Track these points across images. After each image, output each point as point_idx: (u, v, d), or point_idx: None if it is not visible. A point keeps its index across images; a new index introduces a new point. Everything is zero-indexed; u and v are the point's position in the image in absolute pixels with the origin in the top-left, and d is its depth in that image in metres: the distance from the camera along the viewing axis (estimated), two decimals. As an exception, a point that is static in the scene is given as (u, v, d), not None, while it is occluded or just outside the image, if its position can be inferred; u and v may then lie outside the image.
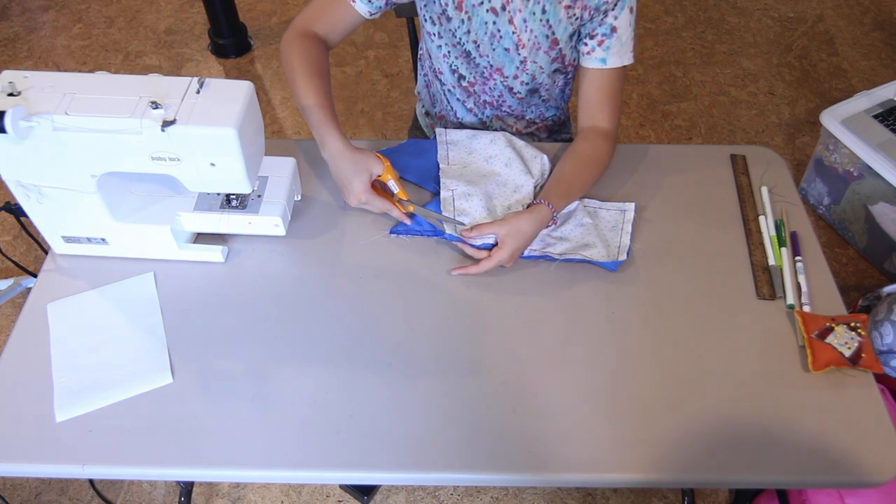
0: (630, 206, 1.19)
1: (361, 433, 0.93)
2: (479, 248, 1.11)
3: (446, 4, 1.19)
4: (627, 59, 1.19)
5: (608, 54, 1.17)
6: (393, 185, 1.14)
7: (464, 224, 1.12)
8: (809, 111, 2.59)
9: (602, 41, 1.17)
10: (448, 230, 1.13)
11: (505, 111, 1.37)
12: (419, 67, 1.46)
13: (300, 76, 1.14)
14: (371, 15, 1.21)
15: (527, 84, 1.29)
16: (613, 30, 1.16)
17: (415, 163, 1.25)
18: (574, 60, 1.27)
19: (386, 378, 0.98)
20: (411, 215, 1.16)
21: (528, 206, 1.13)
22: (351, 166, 1.09)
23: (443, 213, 1.14)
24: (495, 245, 1.09)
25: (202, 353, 1.01)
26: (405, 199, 1.15)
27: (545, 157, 1.23)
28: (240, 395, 0.96)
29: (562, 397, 0.96)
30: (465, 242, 1.12)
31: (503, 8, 1.17)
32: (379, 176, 1.12)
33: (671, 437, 0.93)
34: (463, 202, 1.16)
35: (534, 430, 0.93)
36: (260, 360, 1.00)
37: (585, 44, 1.19)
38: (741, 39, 2.89)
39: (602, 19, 1.15)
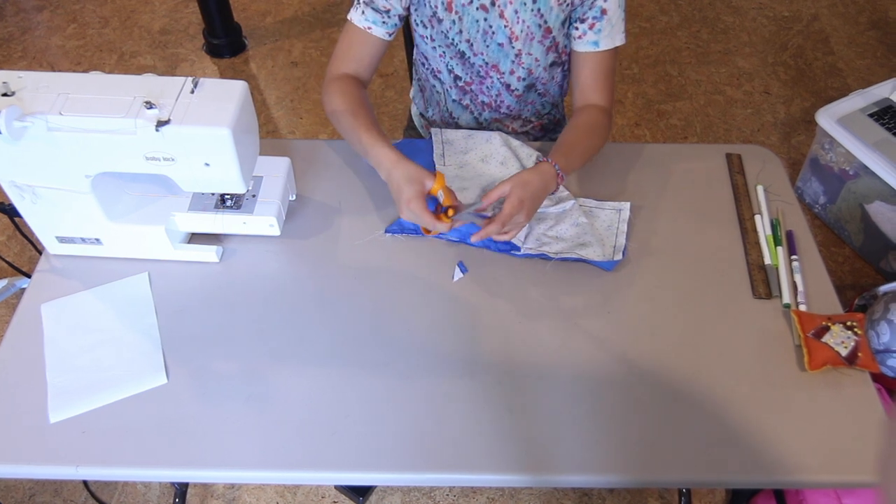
0: (626, 206, 1.19)
1: (357, 433, 0.92)
2: (497, 246, 1.11)
3: (436, 6, 1.19)
4: (619, 40, 1.19)
5: (600, 37, 1.18)
6: (441, 195, 1.08)
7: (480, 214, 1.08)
8: (805, 110, 2.60)
9: (593, 24, 1.17)
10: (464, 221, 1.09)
11: (504, 112, 1.36)
12: (413, 72, 1.46)
13: (343, 117, 1.17)
14: (390, 36, 1.23)
15: (524, 79, 1.29)
16: (604, 12, 1.16)
17: (410, 162, 1.25)
18: (567, 48, 1.27)
19: (382, 378, 0.98)
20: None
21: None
22: (404, 176, 1.06)
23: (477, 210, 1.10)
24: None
25: (197, 354, 1.00)
26: (447, 205, 1.08)
27: (540, 155, 1.23)
28: (235, 395, 0.96)
29: (558, 397, 0.96)
30: (468, 243, 1.11)
31: (493, 3, 1.17)
32: (430, 190, 1.07)
33: (667, 437, 0.93)
34: (459, 195, 1.15)
35: (530, 430, 0.93)
36: (255, 360, 1.00)
37: (576, 28, 1.19)
38: (736, 38, 2.90)
39: (592, 2, 1.15)
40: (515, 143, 1.25)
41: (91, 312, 1.05)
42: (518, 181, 1.07)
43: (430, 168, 1.24)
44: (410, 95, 1.54)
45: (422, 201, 1.05)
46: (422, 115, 1.50)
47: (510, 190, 1.06)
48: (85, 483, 1.53)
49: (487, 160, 1.23)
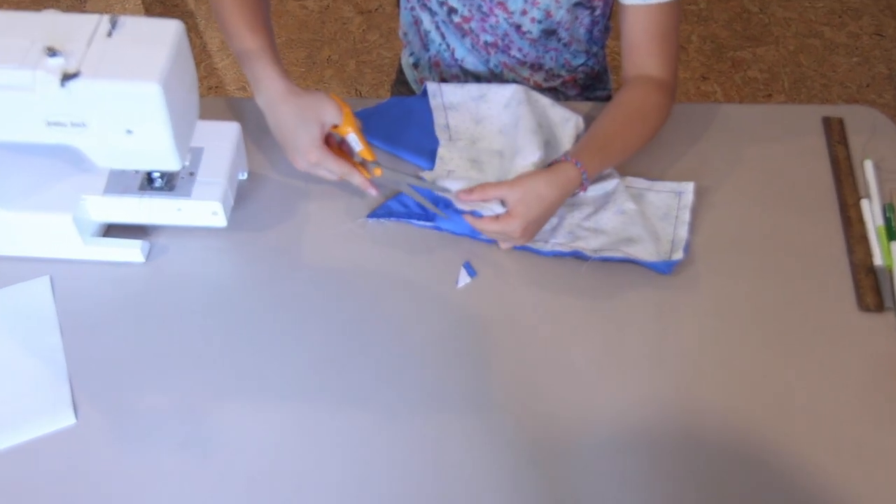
0: (688, 188, 1.20)
1: (329, 489, 0.93)
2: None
3: None
4: None
5: None
6: (354, 140, 1.09)
7: (447, 190, 1.10)
8: (930, 59, 2.60)
9: None
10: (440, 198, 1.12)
11: (515, 57, 1.37)
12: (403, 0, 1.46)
13: (228, 4, 1.12)
14: None
15: (539, 22, 1.29)
16: None
17: (401, 130, 1.25)
18: None
19: (363, 416, 0.99)
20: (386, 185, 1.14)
21: (550, 164, 1.12)
22: (295, 113, 1.05)
23: (424, 180, 1.13)
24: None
25: (115, 385, 1.01)
26: (370, 159, 1.10)
27: (580, 118, 1.23)
28: (166, 439, 0.97)
29: (595, 443, 0.97)
30: (475, 237, 1.12)
31: None
32: (335, 127, 1.08)
33: (743, 495, 0.93)
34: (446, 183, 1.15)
35: (559, 484, 0.94)
36: (193, 392, 1.01)
37: None
38: (839, -37, 2.90)
39: None
40: (545, 100, 1.24)
41: (-26, 329, 1.06)
42: (529, 192, 1.05)
43: (428, 138, 1.24)
44: (400, 35, 1.54)
45: (324, 148, 1.05)
46: (416, 64, 1.50)
47: (514, 204, 1.05)
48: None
49: (506, 132, 1.22)
